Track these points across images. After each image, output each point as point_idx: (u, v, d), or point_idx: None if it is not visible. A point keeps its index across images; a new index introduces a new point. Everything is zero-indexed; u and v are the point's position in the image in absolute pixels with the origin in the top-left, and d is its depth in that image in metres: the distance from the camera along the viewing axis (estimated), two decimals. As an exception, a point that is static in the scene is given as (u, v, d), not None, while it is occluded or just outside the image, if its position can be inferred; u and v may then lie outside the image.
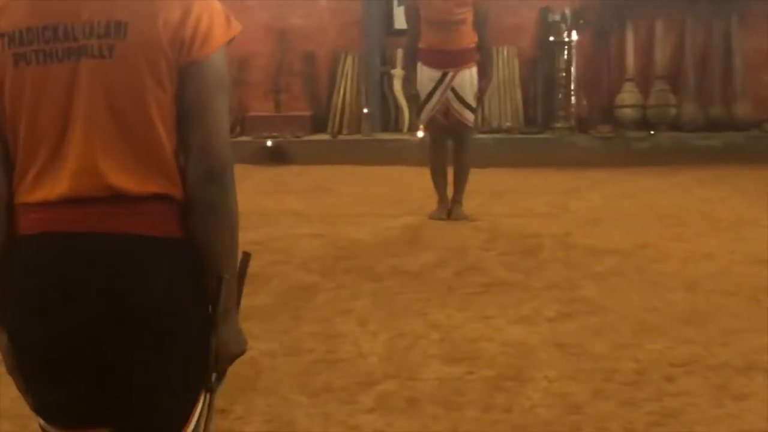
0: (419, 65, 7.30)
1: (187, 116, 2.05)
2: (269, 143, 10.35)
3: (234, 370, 4.35)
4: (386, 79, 10.63)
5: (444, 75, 7.19)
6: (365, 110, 10.51)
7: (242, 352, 2.23)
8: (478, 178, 7.54)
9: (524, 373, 4.39)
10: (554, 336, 4.85)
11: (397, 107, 10.58)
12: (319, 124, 10.83)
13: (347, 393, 4.23)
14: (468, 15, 7.15)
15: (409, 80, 7.52)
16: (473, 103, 7.31)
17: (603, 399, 4.07)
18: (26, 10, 2.02)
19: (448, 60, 7.21)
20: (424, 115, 7.37)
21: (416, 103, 7.50)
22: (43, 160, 2.03)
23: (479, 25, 7.21)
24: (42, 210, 2.03)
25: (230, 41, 2.08)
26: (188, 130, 2.05)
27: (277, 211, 7.77)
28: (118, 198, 2.01)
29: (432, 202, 7.49)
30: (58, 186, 2.01)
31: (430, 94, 7.23)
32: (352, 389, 4.27)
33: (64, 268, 2.01)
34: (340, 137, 10.62)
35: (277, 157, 10.29)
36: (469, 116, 7.32)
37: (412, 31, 7.40)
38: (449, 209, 7.39)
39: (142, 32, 2.00)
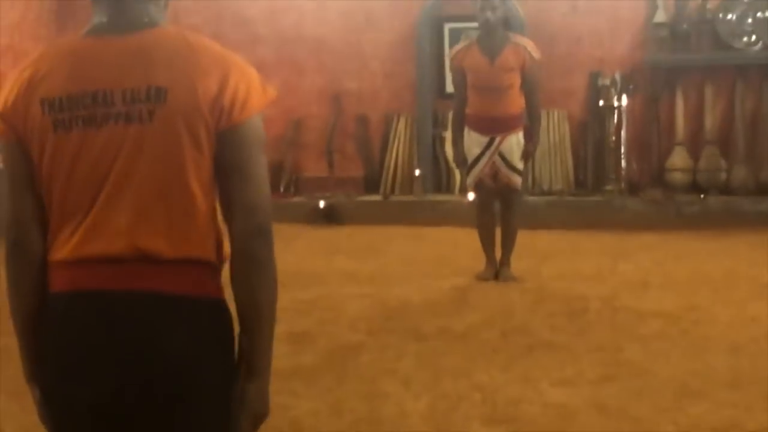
0: (466, 130, 7.37)
1: (229, 177, 2.12)
2: (322, 204, 10.50)
3: (276, 429, 4.46)
4: (438, 141, 10.77)
5: (491, 140, 7.25)
6: (417, 172, 10.64)
7: (266, 414, 2.22)
8: (527, 240, 7.60)
9: (564, 435, 4.43)
10: (596, 398, 4.87)
11: (449, 169, 10.69)
12: (371, 185, 10.97)
13: (389, 452, 4.30)
14: (515, 80, 7.16)
15: (456, 146, 7.54)
16: (520, 167, 7.37)
17: (642, 462, 4.10)
18: (66, 77, 2.09)
19: (494, 126, 7.25)
20: (471, 178, 7.44)
21: (464, 168, 7.56)
22: (78, 219, 2.10)
23: (528, 89, 7.22)
24: (74, 268, 2.10)
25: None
26: (232, 189, 2.12)
27: (327, 271, 7.87)
28: (149, 259, 2.08)
29: (480, 263, 7.56)
30: (91, 246, 2.08)
31: (478, 159, 7.31)
32: (394, 448, 4.34)
33: (92, 326, 2.08)
34: (392, 198, 10.74)
35: (330, 217, 10.43)
36: (517, 180, 7.37)
37: (459, 97, 7.44)
38: (497, 270, 7.45)
39: (181, 98, 2.06)
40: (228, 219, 2.15)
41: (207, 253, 2.14)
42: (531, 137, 7.35)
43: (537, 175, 10.53)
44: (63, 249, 2.11)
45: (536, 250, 8.28)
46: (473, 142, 7.33)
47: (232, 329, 2.18)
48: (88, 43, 2.14)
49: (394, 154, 10.94)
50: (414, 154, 10.86)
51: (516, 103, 7.24)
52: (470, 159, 7.35)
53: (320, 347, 5.77)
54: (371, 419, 4.66)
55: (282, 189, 11.03)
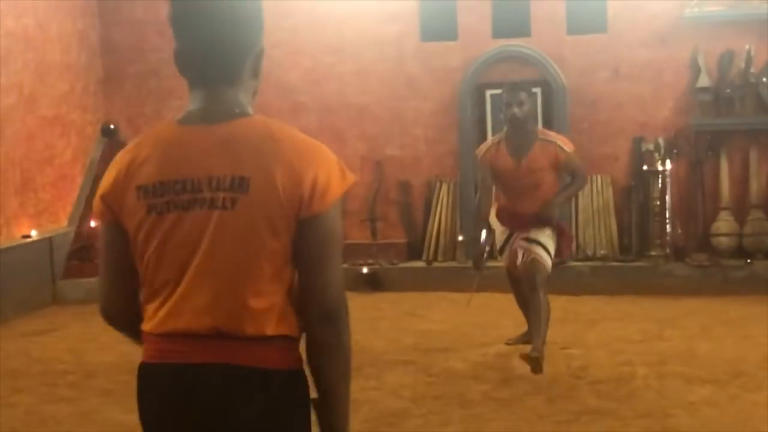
0: (493, 217, 7.16)
1: (306, 263, 2.32)
2: (365, 270, 10.51)
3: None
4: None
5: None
6: (460, 238, 10.63)
7: None
8: (572, 306, 7.57)
9: (612, 502, 4.37)
10: (644, 466, 4.82)
11: (492, 234, 10.65)
12: (414, 251, 10.97)
13: None
14: (544, 178, 6.87)
15: (475, 246, 7.12)
16: (549, 246, 6.92)
17: None
18: (160, 166, 2.32)
19: (518, 223, 6.99)
20: (503, 261, 7.31)
21: (479, 272, 7.14)
22: (165, 295, 2.33)
23: (572, 178, 6.96)
24: (160, 341, 2.35)
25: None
26: (307, 275, 2.33)
27: (370, 338, 7.86)
28: (226, 336, 2.29)
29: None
30: (175, 321, 2.31)
31: (502, 249, 7.21)
32: None
33: (172, 396, 2.33)
34: (435, 264, 10.73)
35: (373, 284, 10.44)
36: (542, 254, 6.88)
37: (482, 194, 7.05)
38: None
39: (262, 188, 2.25)
40: (302, 302, 2.34)
41: (281, 329, 2.32)
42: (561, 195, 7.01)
43: (581, 240, 10.48)
44: (151, 321, 2.37)
45: (581, 316, 8.23)
46: (499, 231, 7.18)
47: (307, 397, 2.37)
48: (181, 131, 2.37)
49: (436, 220, 10.94)
50: (457, 220, 10.85)
51: (545, 200, 6.88)
52: (498, 245, 7.23)
53: (364, 414, 5.75)
54: (416, 487, 4.63)
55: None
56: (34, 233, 10.05)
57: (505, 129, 7.04)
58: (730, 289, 9.52)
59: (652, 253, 10.09)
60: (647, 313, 8.77)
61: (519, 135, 6.90)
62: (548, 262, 6.87)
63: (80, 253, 10.74)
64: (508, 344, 7.48)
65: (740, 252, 10.03)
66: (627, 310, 8.93)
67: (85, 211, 11.07)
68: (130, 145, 2.47)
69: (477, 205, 7.09)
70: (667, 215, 10.14)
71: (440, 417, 5.77)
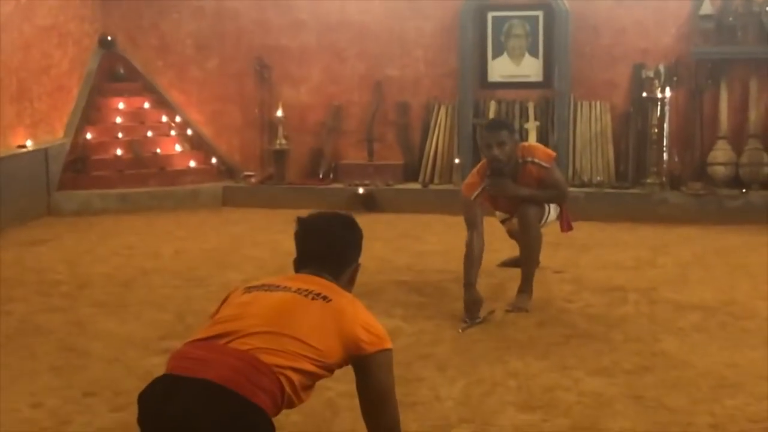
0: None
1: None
2: (361, 191, 10.50)
3: (311, 409, 4.48)
4: (479, 130, 10.70)
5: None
6: (456, 160, 10.61)
7: None
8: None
9: (599, 423, 4.41)
10: (631, 388, 4.85)
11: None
12: (410, 173, 10.96)
13: (422, 436, 4.30)
14: (536, 187, 6.70)
15: (469, 290, 6.31)
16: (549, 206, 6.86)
17: (676, 452, 4.07)
18: (262, 280, 3.26)
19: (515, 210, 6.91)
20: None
21: (473, 319, 6.26)
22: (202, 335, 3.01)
23: (550, 191, 6.71)
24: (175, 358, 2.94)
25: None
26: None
27: (364, 258, 7.83)
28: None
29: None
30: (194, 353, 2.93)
31: (503, 221, 7.27)
32: (427, 432, 4.34)
33: (160, 396, 2.83)
34: (431, 186, 10.72)
35: (369, 204, 10.44)
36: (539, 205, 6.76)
37: (471, 234, 6.61)
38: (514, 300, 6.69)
39: (337, 308, 3.11)
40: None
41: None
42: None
43: (578, 166, 10.47)
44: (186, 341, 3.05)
45: (575, 242, 8.25)
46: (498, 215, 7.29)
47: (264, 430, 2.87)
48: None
49: (434, 143, 10.91)
50: (454, 142, 10.83)
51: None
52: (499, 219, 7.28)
53: (356, 331, 5.77)
54: (405, 403, 4.65)
55: (321, 175, 11.04)
56: (29, 143, 10.01)
57: (487, 173, 6.65)
58: (725, 218, 9.54)
59: (648, 180, 10.09)
60: (641, 240, 8.79)
61: (502, 176, 6.61)
62: (545, 208, 6.84)
63: (76, 164, 10.72)
64: (500, 266, 7.52)
65: (736, 181, 10.04)
66: (621, 236, 8.95)
67: (80, 123, 11.02)
68: None
69: (469, 247, 6.52)
70: (665, 143, 10.12)
71: (431, 336, 5.79)
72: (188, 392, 2.73)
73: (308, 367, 2.95)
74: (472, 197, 6.68)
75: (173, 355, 2.91)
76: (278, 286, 3.13)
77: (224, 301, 3.25)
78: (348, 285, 3.39)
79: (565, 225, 7.10)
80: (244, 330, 2.86)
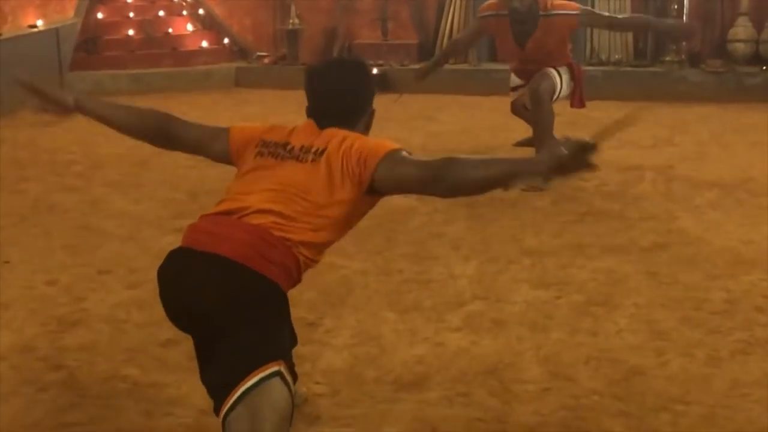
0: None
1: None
2: (375, 71, 10.38)
3: (326, 286, 4.49)
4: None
5: None
6: (472, 40, 10.45)
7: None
8: (583, 110, 7.46)
9: (613, 299, 4.40)
10: (646, 265, 4.84)
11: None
12: (425, 52, 10.81)
13: (435, 312, 4.30)
14: (553, 50, 6.66)
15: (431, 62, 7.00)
16: (562, 73, 6.77)
17: (690, 326, 4.06)
18: (273, 132, 3.12)
19: (533, 74, 6.79)
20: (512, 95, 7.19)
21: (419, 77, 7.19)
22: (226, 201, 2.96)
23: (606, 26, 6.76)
24: (190, 231, 2.89)
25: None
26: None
27: (377, 137, 7.81)
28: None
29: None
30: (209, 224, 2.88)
31: (515, 88, 7.11)
32: (440, 309, 4.34)
33: (176, 269, 2.83)
34: (446, 67, 10.56)
35: (383, 85, 10.29)
36: (552, 72, 6.70)
37: (464, 37, 6.93)
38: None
39: (331, 153, 2.92)
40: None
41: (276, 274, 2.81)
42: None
43: (595, 44, 10.32)
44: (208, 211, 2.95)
45: (591, 121, 8.12)
46: (512, 76, 7.13)
47: (276, 302, 2.81)
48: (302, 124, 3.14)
49: (449, 21, 10.74)
50: (469, 21, 10.65)
51: (558, 60, 6.73)
52: (512, 85, 7.11)
53: (371, 210, 5.74)
54: (419, 280, 4.67)
55: (335, 55, 10.92)
56: (40, 23, 9.89)
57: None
58: (744, 96, 9.42)
59: (667, 58, 9.95)
60: (659, 118, 8.69)
61: (519, 24, 6.58)
62: (557, 79, 6.73)
63: (87, 45, 10.62)
64: (515, 146, 7.45)
65: (756, 59, 9.87)
66: (639, 115, 8.83)
67: (91, 2, 10.88)
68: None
69: (453, 42, 6.73)
70: (685, 20, 9.93)
71: (445, 215, 5.77)
72: (201, 267, 2.74)
73: (321, 237, 2.87)
74: (482, 15, 6.79)
75: (188, 228, 2.89)
76: (285, 148, 3.01)
77: (244, 144, 3.14)
78: (364, 131, 3.18)
79: (577, 101, 7.01)
80: (254, 206, 2.83)
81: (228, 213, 2.86)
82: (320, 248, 2.92)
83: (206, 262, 2.73)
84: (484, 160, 2.78)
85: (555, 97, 6.73)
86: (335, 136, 2.98)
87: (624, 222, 5.59)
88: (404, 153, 2.92)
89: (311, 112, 3.14)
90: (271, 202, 2.84)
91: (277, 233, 2.77)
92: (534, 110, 6.68)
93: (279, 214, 2.81)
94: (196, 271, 2.75)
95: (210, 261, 2.72)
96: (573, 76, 6.88)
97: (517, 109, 7.13)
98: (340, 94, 3.12)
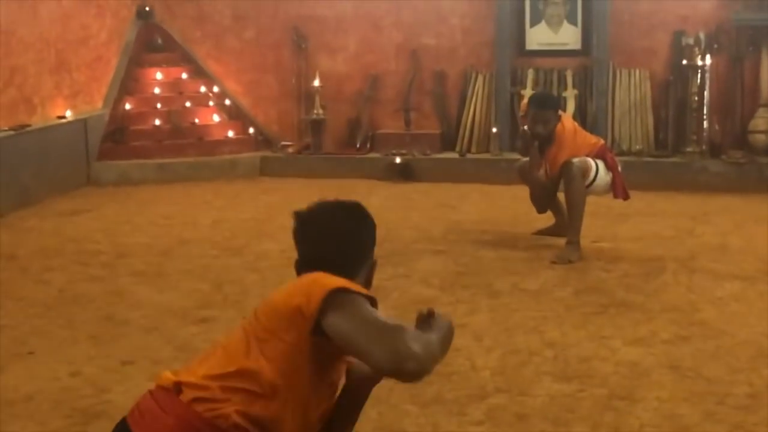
0: None
1: None
2: (398, 160, 10.48)
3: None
4: (516, 99, 10.65)
5: None
6: (494, 129, 10.55)
7: None
8: (604, 200, 7.50)
9: (636, 393, 4.40)
10: (669, 358, 4.83)
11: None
12: (447, 142, 10.91)
13: (457, 405, 4.30)
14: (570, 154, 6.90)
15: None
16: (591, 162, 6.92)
17: (713, 421, 4.05)
18: None
19: None
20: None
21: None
22: None
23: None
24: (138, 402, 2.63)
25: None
26: None
27: (401, 227, 7.88)
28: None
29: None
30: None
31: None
32: (463, 401, 4.34)
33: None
34: (469, 156, 10.67)
35: (405, 174, 10.42)
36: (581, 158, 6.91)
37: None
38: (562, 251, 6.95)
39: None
40: None
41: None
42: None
43: (616, 134, 10.38)
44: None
45: (612, 210, 8.19)
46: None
47: None
48: None
49: (471, 112, 10.85)
50: (491, 111, 10.76)
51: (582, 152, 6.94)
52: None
53: (393, 301, 5.79)
54: (442, 372, 4.66)
55: (358, 144, 11.03)
56: (69, 114, 10.07)
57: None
58: (766, 186, 9.42)
59: (688, 149, 9.99)
60: (680, 209, 8.72)
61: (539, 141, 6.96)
62: (590, 162, 6.88)
63: (115, 135, 10.77)
64: (535, 234, 7.49)
65: (777, 150, 9.91)
66: (660, 205, 8.88)
67: (119, 94, 11.07)
68: None
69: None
70: (705, 111, 10.01)
71: (468, 306, 5.79)
72: None
73: (258, 408, 2.49)
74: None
75: (141, 397, 2.64)
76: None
77: None
78: (365, 286, 2.74)
79: (620, 192, 7.07)
80: (198, 374, 2.56)
81: (174, 385, 2.57)
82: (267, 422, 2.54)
83: None
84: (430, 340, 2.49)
85: (589, 181, 6.82)
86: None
87: (646, 314, 5.59)
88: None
89: (303, 264, 2.76)
90: (215, 368, 2.56)
91: (207, 412, 2.48)
92: (566, 185, 6.85)
93: (218, 382, 2.52)
94: None
95: None
96: (608, 166, 6.96)
97: (523, 174, 7.28)
98: (331, 239, 2.76)
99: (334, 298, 2.46)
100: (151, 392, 2.60)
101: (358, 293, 2.51)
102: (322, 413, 2.70)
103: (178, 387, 2.53)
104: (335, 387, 2.76)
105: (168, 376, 2.60)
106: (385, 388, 4.45)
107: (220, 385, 2.49)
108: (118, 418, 2.63)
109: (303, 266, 2.74)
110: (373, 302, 2.54)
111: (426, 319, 2.57)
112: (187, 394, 2.51)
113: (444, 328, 2.61)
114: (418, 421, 4.12)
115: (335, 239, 2.75)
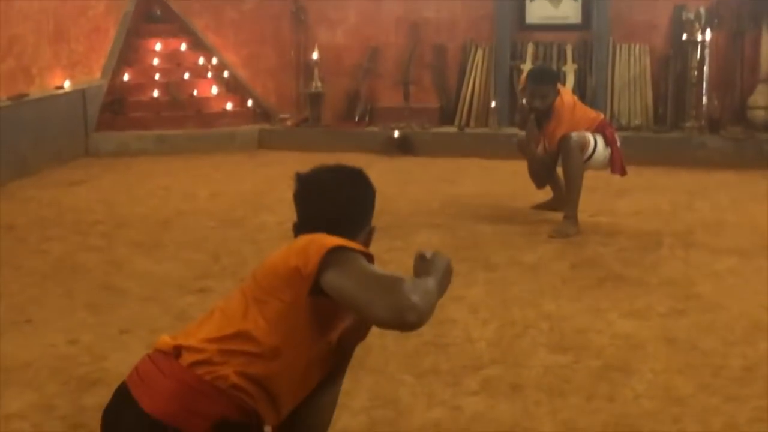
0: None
1: None
2: (396, 134, 10.47)
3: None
4: (515, 73, 10.63)
5: None
6: (493, 104, 10.54)
7: None
8: (603, 175, 7.49)
9: (630, 365, 4.41)
10: (664, 331, 4.85)
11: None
12: (446, 116, 10.91)
13: (453, 375, 4.32)
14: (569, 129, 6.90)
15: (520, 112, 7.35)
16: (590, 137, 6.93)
17: (708, 393, 4.07)
18: None
19: None
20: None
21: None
22: None
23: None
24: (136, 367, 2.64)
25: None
26: None
27: (399, 201, 7.88)
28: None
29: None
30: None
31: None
32: (458, 372, 4.36)
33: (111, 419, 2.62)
34: (467, 130, 10.66)
35: (404, 147, 10.41)
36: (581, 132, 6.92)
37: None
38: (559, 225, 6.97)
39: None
40: None
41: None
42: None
43: (615, 109, 10.38)
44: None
45: (611, 185, 8.18)
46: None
47: None
48: None
49: (470, 86, 10.84)
50: (491, 85, 10.75)
51: (580, 127, 6.92)
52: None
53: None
54: (438, 343, 4.69)
55: (357, 118, 11.02)
56: (67, 84, 10.05)
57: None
58: (764, 162, 9.42)
59: (687, 124, 9.99)
60: (679, 184, 8.72)
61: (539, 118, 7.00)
62: (589, 136, 6.88)
63: (113, 105, 10.76)
64: (533, 209, 7.51)
65: (776, 126, 9.90)
66: (658, 180, 8.88)
67: (118, 65, 11.04)
68: None
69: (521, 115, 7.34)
70: (704, 86, 10.01)
71: (465, 279, 5.79)
72: (125, 425, 2.54)
73: (257, 368, 2.51)
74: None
75: (138, 362, 2.65)
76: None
77: None
78: None
79: (618, 167, 7.07)
80: (196, 337, 2.57)
81: (172, 349, 2.57)
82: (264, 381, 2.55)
83: (129, 419, 2.52)
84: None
85: (587, 155, 6.81)
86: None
87: (642, 287, 5.61)
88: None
89: (302, 227, 2.77)
90: (213, 332, 2.58)
91: (207, 374, 2.49)
92: (564, 159, 6.85)
93: (216, 345, 2.53)
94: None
95: (133, 418, 2.51)
96: (607, 141, 6.95)
97: (523, 148, 7.31)
98: (332, 200, 2.77)
99: (332, 256, 2.48)
100: (149, 356, 2.61)
101: (356, 250, 2.53)
102: (319, 372, 2.73)
103: (177, 350, 2.55)
104: (333, 346, 2.77)
105: (166, 340, 2.62)
106: (381, 358, 4.49)
107: (219, 348, 2.51)
108: (115, 386, 2.64)
109: (302, 227, 2.75)
110: (370, 259, 2.56)
111: (424, 260, 2.62)
112: (186, 358, 2.52)
113: (442, 269, 2.65)
114: (414, 390, 4.14)
115: (336, 200, 2.77)
